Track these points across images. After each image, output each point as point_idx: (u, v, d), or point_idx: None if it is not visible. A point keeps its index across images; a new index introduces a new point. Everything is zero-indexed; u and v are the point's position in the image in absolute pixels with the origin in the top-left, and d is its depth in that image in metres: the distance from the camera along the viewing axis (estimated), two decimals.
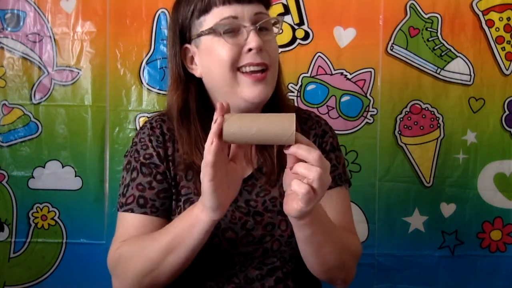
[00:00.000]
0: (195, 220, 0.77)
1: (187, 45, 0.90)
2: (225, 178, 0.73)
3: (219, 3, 0.84)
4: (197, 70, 0.90)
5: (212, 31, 0.84)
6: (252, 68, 0.85)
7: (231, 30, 0.84)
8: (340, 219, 0.93)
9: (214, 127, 0.69)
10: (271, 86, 0.88)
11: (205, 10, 0.85)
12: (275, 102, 0.92)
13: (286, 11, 1.52)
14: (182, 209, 0.88)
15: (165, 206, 0.89)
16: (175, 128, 0.92)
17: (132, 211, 0.88)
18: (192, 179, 0.89)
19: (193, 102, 0.91)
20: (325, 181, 0.70)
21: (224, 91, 0.87)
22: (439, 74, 1.53)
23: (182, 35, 0.90)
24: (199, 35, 0.86)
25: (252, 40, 0.83)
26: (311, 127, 0.98)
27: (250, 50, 0.84)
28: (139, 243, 0.85)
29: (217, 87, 0.88)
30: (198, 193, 0.87)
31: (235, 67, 0.85)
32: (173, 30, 0.91)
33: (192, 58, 0.91)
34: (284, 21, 1.47)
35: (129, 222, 0.89)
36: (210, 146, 0.69)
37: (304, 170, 0.69)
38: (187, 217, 0.79)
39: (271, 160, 0.91)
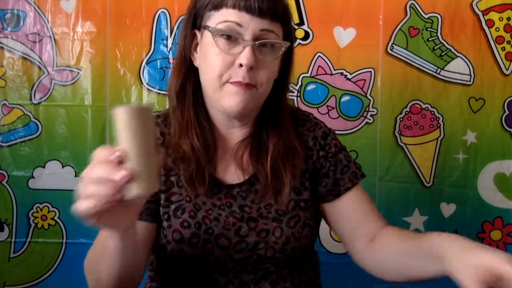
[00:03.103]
0: (104, 232, 0.72)
1: (196, 31, 0.90)
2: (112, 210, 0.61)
3: (229, 5, 0.82)
4: (196, 59, 0.90)
5: (211, 32, 0.83)
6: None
7: (229, 39, 0.83)
8: (371, 214, 0.94)
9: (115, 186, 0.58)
10: (252, 103, 0.86)
11: (216, 6, 0.84)
12: (276, 103, 0.92)
13: None
14: (172, 216, 0.86)
15: (149, 210, 0.87)
16: (170, 109, 0.91)
17: None
18: (184, 186, 0.88)
19: (190, 88, 0.90)
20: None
21: (210, 92, 0.87)
22: (439, 74, 1.53)
23: (195, 20, 0.89)
24: (205, 28, 0.86)
25: (245, 57, 0.81)
26: (309, 129, 0.97)
27: (241, 65, 0.82)
28: (91, 249, 0.84)
29: (206, 85, 0.88)
30: (190, 200, 0.87)
31: (223, 79, 0.83)
32: (189, 12, 0.90)
33: (197, 45, 0.90)
34: None
35: None
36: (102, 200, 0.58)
37: None
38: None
39: (264, 170, 0.90)
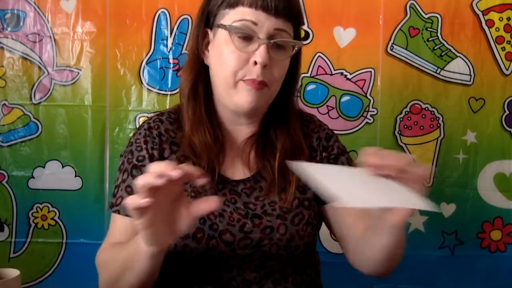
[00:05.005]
0: (138, 247, 0.74)
1: (208, 30, 0.91)
2: (165, 216, 0.68)
3: (246, 3, 0.84)
4: (207, 57, 0.91)
5: (228, 29, 0.85)
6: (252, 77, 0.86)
7: (244, 37, 0.84)
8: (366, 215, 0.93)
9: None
10: (264, 101, 0.89)
11: (232, 4, 0.85)
12: (284, 103, 0.93)
13: None
14: None
15: None
16: (182, 106, 0.93)
17: (119, 212, 0.90)
18: (188, 182, 0.88)
19: (201, 85, 0.92)
20: None
21: (222, 89, 0.88)
22: (439, 74, 1.53)
23: (207, 19, 0.90)
24: (219, 26, 0.87)
25: (260, 55, 0.83)
26: (313, 130, 0.98)
27: (255, 63, 0.84)
28: (112, 251, 0.86)
29: (218, 82, 0.89)
30: (195, 195, 0.88)
31: (238, 77, 0.85)
32: (202, 10, 0.91)
33: (208, 44, 0.91)
34: None
35: (116, 223, 0.91)
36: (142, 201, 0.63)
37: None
38: (136, 241, 0.75)
39: (271, 169, 0.91)
